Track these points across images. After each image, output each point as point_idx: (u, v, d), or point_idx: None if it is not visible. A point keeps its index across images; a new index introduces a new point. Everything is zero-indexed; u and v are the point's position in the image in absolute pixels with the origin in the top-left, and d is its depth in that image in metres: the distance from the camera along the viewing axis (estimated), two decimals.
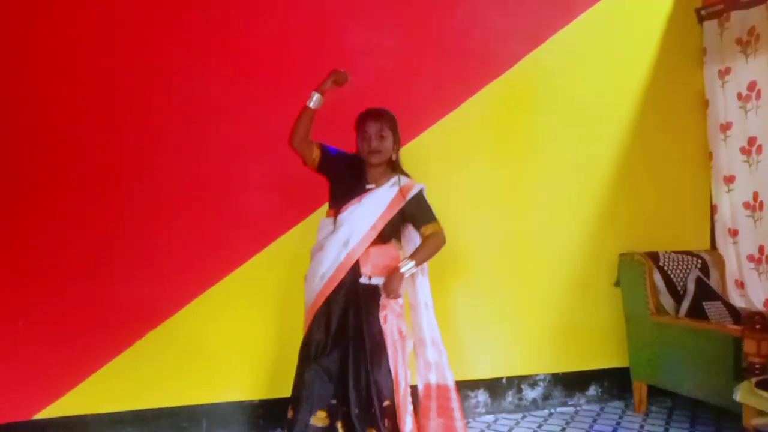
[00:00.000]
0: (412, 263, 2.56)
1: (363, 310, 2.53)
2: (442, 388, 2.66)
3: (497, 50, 3.65)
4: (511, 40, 3.68)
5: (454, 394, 2.65)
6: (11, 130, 2.96)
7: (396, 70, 3.46)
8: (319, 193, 3.26)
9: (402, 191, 2.61)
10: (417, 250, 2.62)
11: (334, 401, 2.48)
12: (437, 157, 3.48)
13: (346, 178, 2.66)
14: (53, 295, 2.99)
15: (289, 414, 2.52)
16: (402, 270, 2.54)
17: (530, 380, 3.77)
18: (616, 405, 3.85)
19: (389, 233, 2.65)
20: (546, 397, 3.80)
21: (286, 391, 3.30)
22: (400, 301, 2.63)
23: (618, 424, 3.52)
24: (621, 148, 3.89)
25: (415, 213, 2.65)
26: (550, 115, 3.76)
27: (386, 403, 2.47)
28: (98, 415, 3.06)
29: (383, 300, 2.56)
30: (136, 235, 3.10)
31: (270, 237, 3.29)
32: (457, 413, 2.63)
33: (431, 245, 2.62)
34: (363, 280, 2.57)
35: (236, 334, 3.24)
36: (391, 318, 2.57)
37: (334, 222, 2.61)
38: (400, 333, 2.59)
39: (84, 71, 3.05)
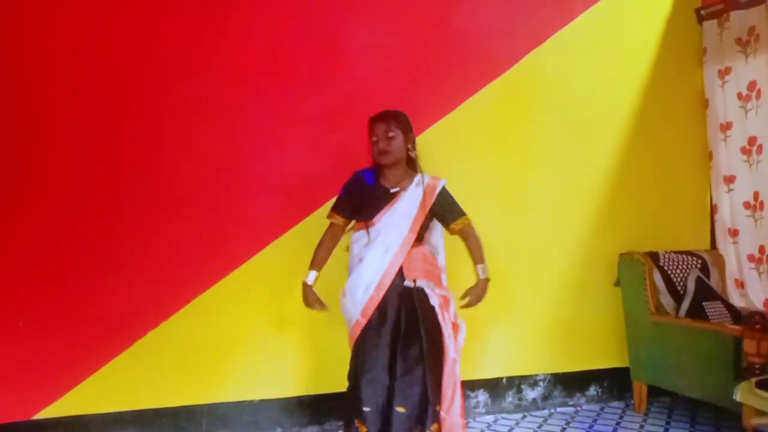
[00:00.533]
0: (485, 265, 2.72)
1: (417, 312, 2.58)
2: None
3: (497, 50, 3.65)
4: (511, 40, 3.68)
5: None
6: (11, 130, 2.96)
7: (396, 69, 3.46)
8: (319, 192, 3.28)
9: (428, 190, 2.66)
10: (474, 251, 2.75)
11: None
12: (436, 157, 3.46)
13: (367, 196, 2.70)
14: (53, 294, 2.99)
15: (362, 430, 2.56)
16: (486, 276, 2.71)
17: (530, 380, 3.77)
18: (616, 405, 3.85)
19: (423, 233, 2.69)
20: (546, 397, 3.80)
21: (285, 391, 3.33)
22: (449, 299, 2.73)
23: (618, 424, 3.52)
24: (621, 147, 3.89)
25: (443, 210, 2.72)
26: (550, 115, 3.76)
27: (438, 407, 2.53)
28: (98, 414, 3.06)
29: (436, 301, 2.63)
30: (135, 234, 3.10)
31: (270, 237, 3.29)
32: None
33: (478, 240, 2.75)
34: (408, 283, 2.62)
35: (236, 334, 3.24)
36: (445, 315, 2.65)
37: (368, 233, 2.63)
38: (454, 326, 2.69)
39: (83, 71, 3.05)
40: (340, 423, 3.34)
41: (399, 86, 3.44)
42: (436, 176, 2.75)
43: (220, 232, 3.22)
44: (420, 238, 2.68)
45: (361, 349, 2.61)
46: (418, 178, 2.66)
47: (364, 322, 2.60)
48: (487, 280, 2.72)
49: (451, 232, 2.76)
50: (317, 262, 2.80)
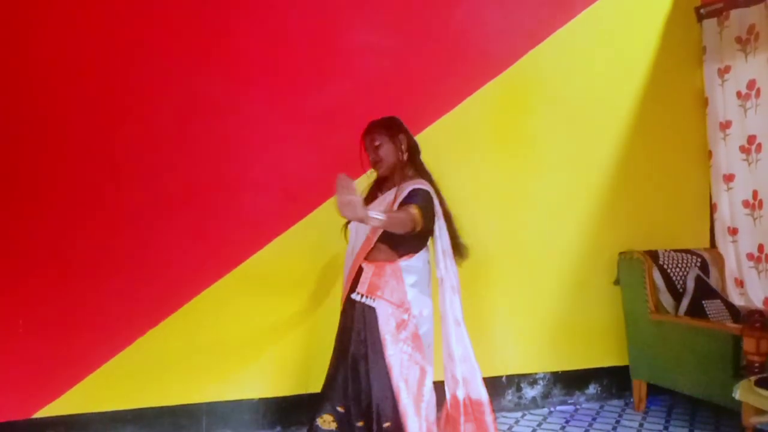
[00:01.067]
0: (380, 214, 2.21)
1: (365, 330, 2.44)
2: (475, 403, 2.54)
3: (496, 49, 3.65)
4: (510, 39, 3.68)
5: (488, 408, 2.53)
6: (11, 130, 2.97)
7: (395, 69, 3.46)
8: (319, 192, 3.29)
9: (399, 193, 2.46)
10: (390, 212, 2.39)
11: (340, 409, 2.45)
12: (436, 156, 3.43)
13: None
14: (53, 293, 2.99)
15: None
16: (371, 216, 2.17)
17: (530, 379, 3.77)
18: (616, 403, 3.85)
19: (389, 243, 2.46)
20: (546, 395, 3.80)
21: (285, 390, 3.33)
22: (410, 316, 2.47)
23: (617, 422, 3.52)
24: (620, 146, 3.90)
25: (403, 201, 2.43)
26: (549, 114, 3.76)
27: (386, 424, 2.37)
28: (98, 413, 3.06)
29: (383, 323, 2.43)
30: (135, 233, 3.10)
31: (269, 236, 3.29)
32: (491, 427, 2.52)
33: (399, 213, 2.33)
34: (354, 296, 2.46)
35: (235, 333, 3.25)
36: (392, 340, 2.43)
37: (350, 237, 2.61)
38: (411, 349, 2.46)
39: (83, 72, 3.05)
40: None
41: (399, 85, 3.44)
42: (421, 182, 2.52)
43: (219, 232, 3.23)
44: (384, 252, 2.47)
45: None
46: (403, 186, 2.48)
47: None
48: (368, 216, 2.16)
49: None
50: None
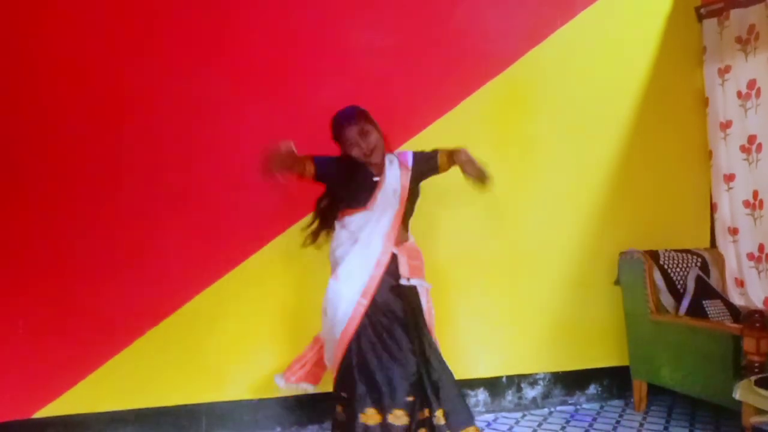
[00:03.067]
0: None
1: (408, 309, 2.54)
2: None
3: (496, 49, 3.65)
4: (510, 39, 3.68)
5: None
6: (11, 130, 2.97)
7: (395, 68, 3.46)
8: (319, 192, 3.28)
9: (403, 167, 2.63)
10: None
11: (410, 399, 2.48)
12: None
13: (350, 180, 2.62)
14: (53, 294, 2.99)
15: None
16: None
17: (530, 379, 3.77)
18: (616, 403, 3.85)
19: (404, 223, 2.64)
20: (546, 395, 3.80)
21: (284, 390, 3.31)
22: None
23: (618, 422, 3.52)
24: (621, 146, 3.89)
25: (423, 166, 2.65)
26: (550, 114, 3.76)
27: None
28: (98, 413, 3.07)
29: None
30: (135, 233, 3.11)
31: (269, 236, 3.30)
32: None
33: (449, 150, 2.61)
34: (404, 281, 2.56)
35: (235, 333, 3.25)
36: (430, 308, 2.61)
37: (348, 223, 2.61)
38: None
39: (83, 72, 3.06)
40: None
41: (398, 85, 3.44)
42: (401, 152, 2.72)
43: (219, 232, 3.23)
44: (406, 225, 2.65)
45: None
46: (388, 157, 2.63)
47: (366, 303, 2.51)
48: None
49: (442, 168, 2.66)
50: None
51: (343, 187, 2.62)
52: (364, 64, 3.42)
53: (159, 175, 3.15)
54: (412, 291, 2.57)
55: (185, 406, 3.19)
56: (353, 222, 2.59)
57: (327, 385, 3.31)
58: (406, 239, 2.64)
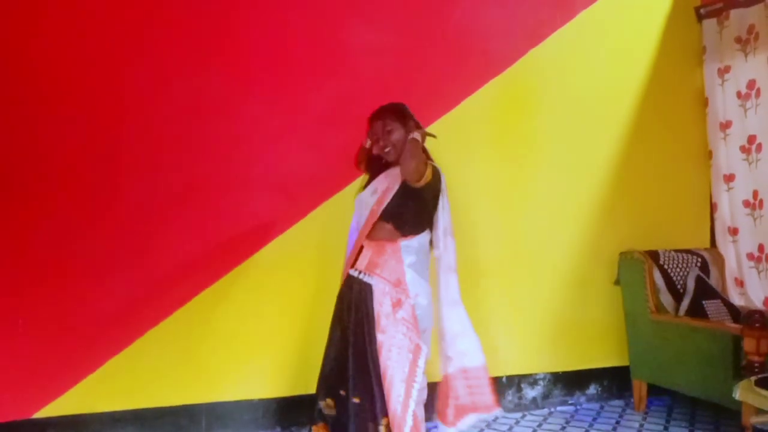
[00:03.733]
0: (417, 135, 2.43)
1: (363, 307, 2.47)
2: (472, 370, 2.58)
3: (497, 48, 3.65)
4: (511, 38, 3.68)
5: (484, 372, 2.59)
6: (12, 130, 2.96)
7: (395, 68, 3.46)
8: (319, 192, 3.29)
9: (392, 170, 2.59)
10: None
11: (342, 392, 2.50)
12: (436, 156, 3.46)
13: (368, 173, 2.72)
14: (53, 294, 2.98)
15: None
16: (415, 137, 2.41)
17: (530, 379, 3.77)
18: (616, 403, 3.85)
19: (394, 223, 2.50)
20: (546, 396, 3.80)
21: (285, 390, 3.33)
22: (407, 296, 2.47)
23: (618, 422, 3.52)
24: (621, 146, 3.89)
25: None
26: (550, 113, 3.76)
27: (356, 399, 2.42)
28: (98, 413, 3.06)
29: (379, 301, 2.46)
30: (134, 233, 3.10)
31: (269, 236, 3.29)
32: (486, 387, 2.58)
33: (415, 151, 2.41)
34: (352, 272, 2.54)
35: (235, 333, 3.24)
36: (386, 320, 2.44)
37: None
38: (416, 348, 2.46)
39: (83, 72, 3.05)
40: None
41: (399, 85, 3.43)
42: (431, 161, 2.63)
43: (219, 231, 3.22)
44: (399, 227, 2.50)
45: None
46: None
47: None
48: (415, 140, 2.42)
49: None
50: None
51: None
52: (364, 64, 3.42)
53: (158, 176, 3.14)
54: (364, 286, 2.49)
55: (185, 406, 3.18)
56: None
57: None
58: (390, 238, 2.51)
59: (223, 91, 3.22)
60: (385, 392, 2.38)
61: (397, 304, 2.46)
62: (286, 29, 3.33)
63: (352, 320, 2.48)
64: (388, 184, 2.54)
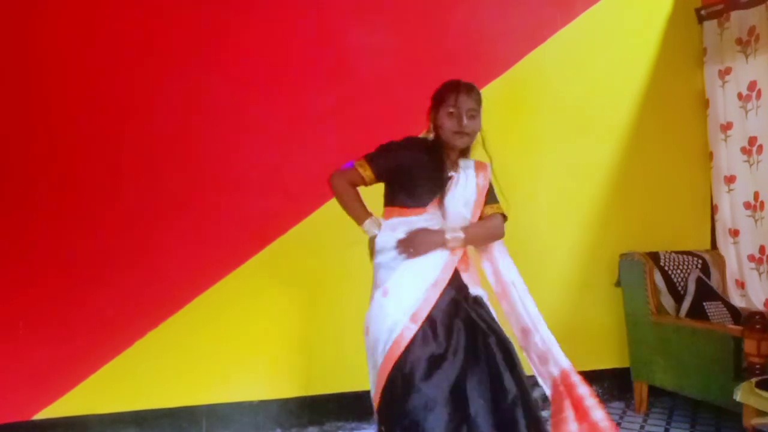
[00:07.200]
0: (461, 234, 2.13)
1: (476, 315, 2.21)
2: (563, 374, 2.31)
3: (497, 50, 3.65)
4: (511, 40, 3.68)
5: (577, 377, 2.26)
6: (13, 131, 2.97)
7: (396, 69, 3.46)
8: (319, 192, 3.28)
9: (481, 170, 2.29)
10: (473, 224, 2.21)
11: None
12: None
13: (416, 172, 2.19)
14: (53, 295, 2.99)
15: None
16: (447, 236, 2.09)
17: (531, 380, 3.75)
18: (617, 405, 3.84)
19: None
20: (547, 397, 3.78)
21: (285, 392, 3.32)
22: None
23: (618, 424, 3.51)
24: (621, 148, 3.89)
25: (488, 194, 2.30)
26: (550, 115, 3.76)
27: None
28: (98, 415, 3.06)
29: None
30: (135, 235, 3.10)
31: (270, 237, 3.29)
32: (590, 400, 2.18)
33: (488, 224, 2.25)
34: (472, 290, 2.27)
35: (236, 335, 3.24)
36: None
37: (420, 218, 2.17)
38: None
39: (83, 73, 3.06)
40: (340, 423, 3.35)
41: (399, 86, 3.44)
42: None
43: (220, 232, 3.22)
44: None
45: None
46: (463, 162, 2.26)
47: (414, 328, 2.04)
48: (443, 235, 2.14)
49: (482, 215, 2.28)
50: (364, 209, 2.25)
51: (409, 174, 2.20)
52: (364, 64, 3.42)
53: (159, 177, 3.15)
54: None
55: (185, 407, 3.18)
56: (405, 224, 2.19)
57: (325, 386, 3.32)
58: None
59: (225, 92, 3.23)
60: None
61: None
62: (286, 30, 3.33)
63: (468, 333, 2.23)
64: (476, 198, 2.27)
